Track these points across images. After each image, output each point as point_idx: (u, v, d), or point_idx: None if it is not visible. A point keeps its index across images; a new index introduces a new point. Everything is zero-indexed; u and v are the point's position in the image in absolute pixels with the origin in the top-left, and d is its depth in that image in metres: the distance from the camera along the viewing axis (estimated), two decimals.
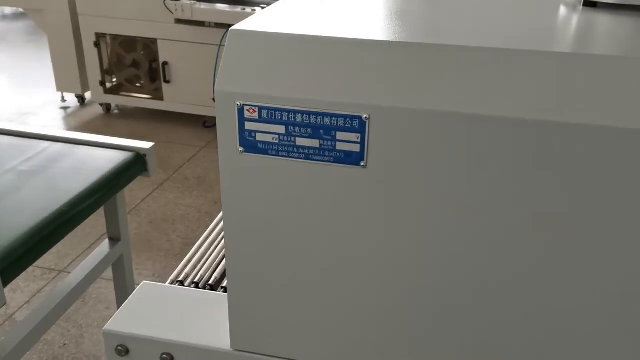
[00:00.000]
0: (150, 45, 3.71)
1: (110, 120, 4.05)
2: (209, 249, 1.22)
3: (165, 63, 3.69)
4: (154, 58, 3.72)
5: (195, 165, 3.42)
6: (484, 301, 0.69)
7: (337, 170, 0.67)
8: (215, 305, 0.95)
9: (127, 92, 3.92)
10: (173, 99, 3.81)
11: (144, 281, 1.02)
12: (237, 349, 0.84)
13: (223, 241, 1.22)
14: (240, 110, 0.67)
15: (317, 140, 0.66)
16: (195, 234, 2.78)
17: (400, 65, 0.62)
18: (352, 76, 0.63)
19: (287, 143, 0.67)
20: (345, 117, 0.64)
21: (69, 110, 4.15)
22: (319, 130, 0.65)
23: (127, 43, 3.76)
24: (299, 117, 0.65)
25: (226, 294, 1.01)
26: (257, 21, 0.70)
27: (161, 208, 2.99)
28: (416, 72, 0.62)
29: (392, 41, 0.62)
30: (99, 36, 3.73)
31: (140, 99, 3.89)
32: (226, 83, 0.67)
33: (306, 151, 0.67)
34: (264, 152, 0.69)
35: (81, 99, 4.15)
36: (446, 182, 0.63)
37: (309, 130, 0.66)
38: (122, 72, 3.86)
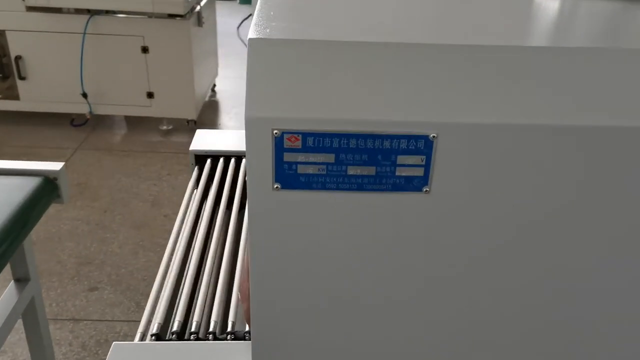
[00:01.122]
0: None
1: None
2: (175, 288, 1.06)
3: (18, 57, 3.20)
4: (3, 52, 3.21)
5: (71, 170, 3.05)
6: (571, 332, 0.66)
7: (395, 200, 0.58)
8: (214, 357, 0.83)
9: None
10: (31, 98, 3.34)
11: (115, 342, 0.85)
12: None
13: (197, 277, 1.07)
14: (279, 140, 0.55)
15: (374, 168, 0.56)
16: (89, 250, 2.49)
17: (476, 73, 0.54)
18: (417, 88, 0.55)
19: (337, 173, 0.57)
20: (409, 137, 0.55)
21: None
22: (377, 155, 0.56)
23: None
24: (352, 142, 0.55)
25: (222, 341, 0.88)
26: (279, 26, 0.58)
27: (42, 225, 2.62)
28: (496, 79, 0.55)
29: (466, 45, 0.54)
30: None
31: None
32: (258, 107, 0.54)
33: (359, 181, 0.57)
34: (307, 186, 0.58)
35: None
36: (526, 200, 0.57)
37: (364, 156, 0.56)
38: None
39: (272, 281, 0.63)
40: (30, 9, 3.07)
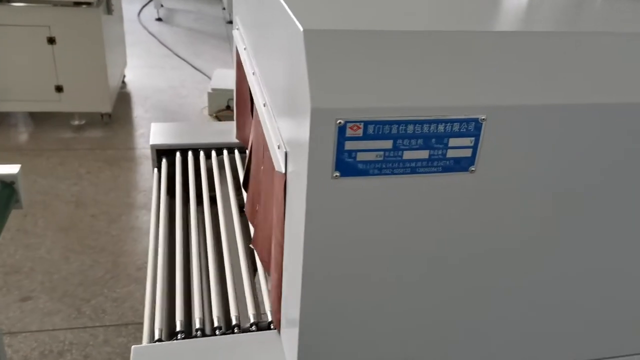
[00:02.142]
0: None
1: None
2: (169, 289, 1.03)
3: None
4: None
5: None
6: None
7: (443, 180, 0.62)
8: (236, 350, 0.83)
9: None
10: None
11: (134, 346, 0.83)
12: None
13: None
14: (341, 129, 0.57)
15: (427, 151, 0.60)
16: (14, 258, 2.30)
17: (522, 57, 0.59)
18: (469, 74, 0.59)
19: (393, 159, 0.60)
20: (461, 121, 0.59)
21: None
22: (431, 139, 0.60)
23: None
24: (410, 128, 0.59)
25: (242, 334, 0.88)
26: (325, 17, 0.59)
27: None
28: (542, 63, 0.60)
29: (513, 31, 0.59)
30: None
31: None
32: (323, 98, 0.56)
33: (413, 164, 0.61)
34: (364, 173, 0.60)
35: None
36: (569, 177, 0.64)
37: (419, 141, 0.60)
38: None
39: (326, 267, 0.65)
40: None
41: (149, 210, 2.71)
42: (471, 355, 0.77)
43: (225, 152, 1.45)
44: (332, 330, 0.71)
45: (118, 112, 3.56)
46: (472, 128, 0.60)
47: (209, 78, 4.14)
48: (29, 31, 2.99)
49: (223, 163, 1.41)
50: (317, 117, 0.56)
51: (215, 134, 1.49)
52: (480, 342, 0.76)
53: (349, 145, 0.58)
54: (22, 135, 3.26)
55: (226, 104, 3.62)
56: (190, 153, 1.43)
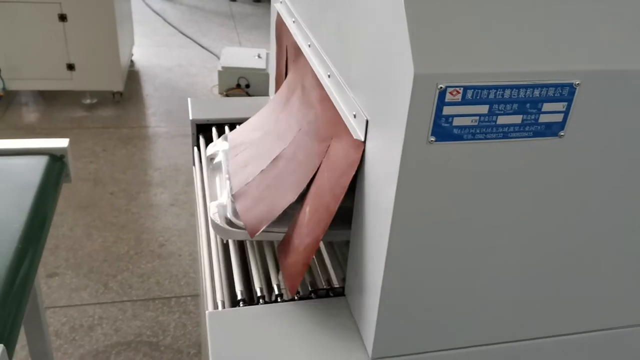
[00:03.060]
0: None
1: None
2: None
3: None
4: None
5: None
6: None
7: (532, 145, 0.64)
8: (309, 317, 0.85)
9: None
10: None
11: (208, 311, 0.85)
12: (379, 356, 0.78)
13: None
14: (442, 94, 0.58)
15: (520, 116, 0.62)
16: None
17: (615, 22, 0.61)
18: (563, 39, 0.60)
19: (487, 124, 0.61)
20: (555, 86, 0.61)
21: None
22: (525, 104, 0.61)
23: None
24: (507, 93, 0.60)
25: (313, 300, 0.90)
26: None
27: None
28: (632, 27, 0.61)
29: None
30: None
31: None
32: (426, 64, 0.57)
33: (505, 129, 0.62)
34: (458, 138, 0.62)
35: None
36: None
37: (514, 106, 0.61)
38: None
39: (413, 233, 0.67)
40: None
41: (166, 187, 2.73)
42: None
43: None
44: (412, 300, 0.73)
45: (128, 91, 3.55)
46: (566, 93, 0.61)
47: (217, 56, 4.12)
48: (40, 8, 2.96)
49: None
50: (419, 83, 0.57)
51: (253, 109, 1.49)
52: (564, 314, 0.79)
53: (447, 110, 0.60)
54: (34, 114, 3.25)
55: (236, 82, 3.61)
56: (227, 128, 1.44)
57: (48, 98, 3.38)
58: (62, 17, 3.00)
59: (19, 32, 2.98)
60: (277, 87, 1.43)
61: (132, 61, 3.94)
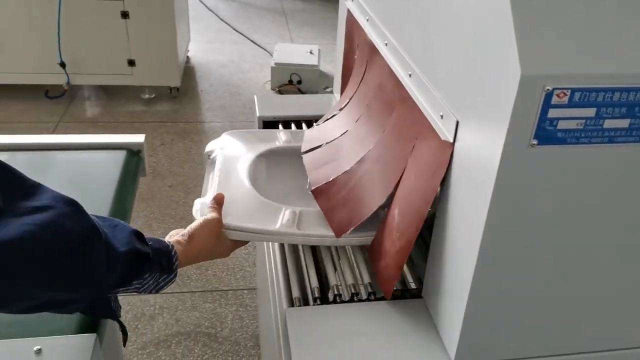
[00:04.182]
0: None
1: None
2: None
3: None
4: None
5: None
6: None
7: (636, 150, 0.62)
8: (387, 317, 0.85)
9: None
10: (1, 69, 3.11)
11: (289, 308, 0.86)
12: None
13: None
14: (548, 96, 0.57)
15: (628, 120, 0.60)
16: None
17: None
18: None
19: (593, 127, 0.60)
20: None
21: None
22: (634, 108, 0.59)
23: None
24: (616, 96, 0.58)
25: (384, 301, 0.90)
26: None
27: None
28: None
29: None
30: None
31: None
32: (533, 64, 0.56)
33: (612, 133, 0.60)
34: (562, 141, 0.60)
35: None
36: None
37: (622, 109, 0.59)
38: None
39: (506, 238, 0.66)
40: None
41: None
42: None
43: None
44: (501, 305, 0.72)
45: (184, 86, 3.62)
46: None
47: (268, 52, 4.15)
48: (104, 5, 3.05)
49: None
50: (525, 84, 0.56)
51: (319, 107, 1.50)
52: None
53: (552, 113, 0.58)
54: (96, 108, 3.36)
55: (289, 79, 3.63)
56: (293, 125, 1.45)
57: (109, 92, 3.49)
58: (125, 15, 3.08)
59: (84, 29, 3.08)
60: (344, 85, 1.43)
61: (187, 57, 4.02)
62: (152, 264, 0.77)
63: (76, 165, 1.11)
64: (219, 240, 0.91)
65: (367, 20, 1.14)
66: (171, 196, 2.63)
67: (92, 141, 1.17)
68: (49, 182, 1.08)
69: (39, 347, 0.75)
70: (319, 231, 0.94)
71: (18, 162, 1.14)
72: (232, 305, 2.08)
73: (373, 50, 1.08)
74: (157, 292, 0.80)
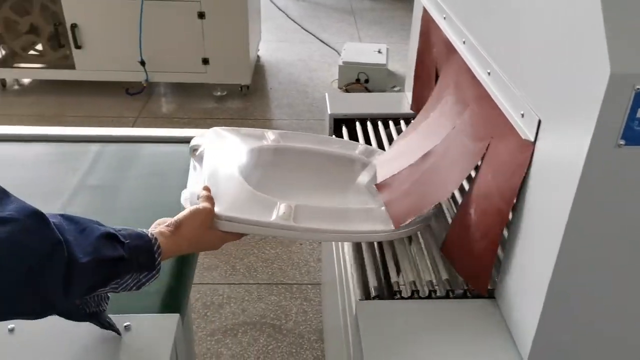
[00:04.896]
0: (49, 5, 3.14)
1: (10, 98, 3.43)
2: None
3: (74, 25, 3.16)
4: (59, 21, 3.17)
5: None
6: None
7: None
8: (460, 316, 0.85)
9: (27, 62, 3.32)
10: (87, 67, 3.31)
11: (358, 301, 0.88)
12: None
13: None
14: (638, 95, 0.56)
15: None
16: None
17: None
18: None
19: None
20: None
21: None
22: None
23: (19, 5, 3.14)
24: None
25: (455, 300, 0.90)
26: None
27: None
28: None
29: None
30: None
31: (46, 70, 3.32)
32: (624, 63, 0.55)
33: None
34: None
35: None
36: None
37: None
38: (18, 40, 3.25)
39: (587, 238, 0.65)
40: None
41: None
42: None
43: (402, 122, 1.47)
44: (577, 310, 0.71)
45: (254, 84, 3.72)
46: None
47: (336, 51, 4.19)
48: (182, 6, 3.19)
49: (402, 132, 1.43)
50: (614, 83, 0.55)
51: (390, 105, 1.51)
52: None
53: None
54: (172, 105, 3.52)
55: (356, 77, 3.65)
56: (368, 122, 1.46)
57: (184, 90, 3.64)
58: (201, 15, 3.20)
59: (162, 29, 3.23)
60: (416, 84, 1.43)
61: (258, 56, 4.12)
62: (128, 265, 0.73)
63: (157, 157, 1.19)
64: (209, 231, 0.86)
65: (444, 18, 1.14)
66: None
67: (171, 135, 1.24)
68: (135, 171, 1.17)
69: (128, 323, 0.81)
70: (316, 225, 0.91)
71: (108, 153, 1.23)
72: (296, 299, 2.12)
73: (450, 49, 1.08)
74: (138, 289, 0.76)
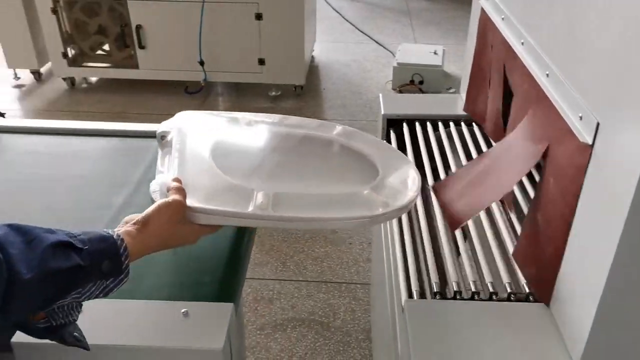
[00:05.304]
0: (117, 7, 3.29)
1: (78, 95, 3.62)
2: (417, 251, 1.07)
3: (139, 27, 3.30)
4: (125, 22, 3.31)
5: None
6: None
7: None
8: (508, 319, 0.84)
9: (95, 62, 3.49)
10: (150, 66, 3.44)
11: (406, 300, 0.89)
12: None
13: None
14: None
15: None
16: None
17: None
18: None
19: None
20: None
21: (24, 89, 3.65)
22: None
23: (89, 7, 3.31)
24: None
25: (510, 302, 0.89)
26: None
27: None
28: None
29: None
30: (55, 1, 3.25)
31: (112, 69, 3.49)
32: None
33: None
34: None
35: (37, 74, 3.66)
36: None
37: None
38: (87, 41, 3.42)
39: None
40: None
41: None
42: None
43: (451, 124, 1.46)
44: (633, 316, 0.69)
45: (308, 84, 3.76)
46: None
47: (391, 52, 4.17)
48: (240, 7, 3.26)
49: (451, 135, 1.42)
50: None
51: (443, 106, 1.50)
52: None
53: None
54: (228, 104, 3.61)
55: (410, 78, 3.63)
56: (417, 124, 1.46)
57: (239, 89, 3.72)
58: (258, 16, 3.27)
59: (220, 30, 3.32)
60: (470, 85, 1.42)
61: (312, 56, 4.17)
62: (88, 273, 0.68)
63: None
64: (181, 225, 0.81)
65: (503, 19, 1.13)
66: None
67: None
68: None
69: (185, 309, 0.85)
70: (295, 213, 0.86)
71: None
72: (345, 298, 2.14)
73: (508, 50, 1.07)
74: (105, 296, 0.71)
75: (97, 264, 0.68)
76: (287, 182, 0.96)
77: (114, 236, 0.72)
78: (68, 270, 0.66)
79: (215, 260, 0.98)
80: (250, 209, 0.85)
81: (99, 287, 0.70)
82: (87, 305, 0.73)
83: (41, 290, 0.64)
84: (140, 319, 0.85)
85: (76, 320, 0.73)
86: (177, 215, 0.80)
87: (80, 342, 0.73)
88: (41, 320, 0.70)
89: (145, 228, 0.76)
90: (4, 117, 1.40)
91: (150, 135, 1.33)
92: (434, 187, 1.02)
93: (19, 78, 3.65)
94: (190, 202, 0.83)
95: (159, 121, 1.29)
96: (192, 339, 0.81)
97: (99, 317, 0.84)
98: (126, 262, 0.71)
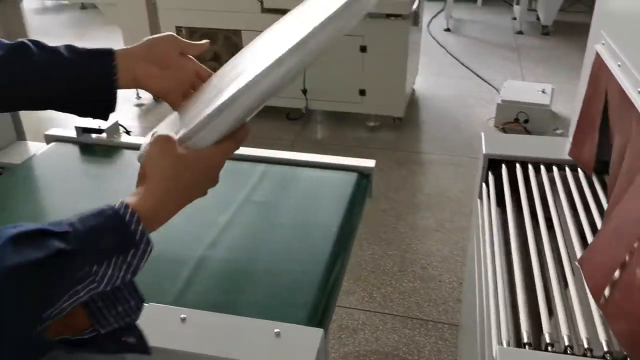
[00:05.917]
0: (231, 36, 3.52)
1: None
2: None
3: None
4: (236, 50, 3.53)
5: None
6: None
7: None
8: None
9: None
10: None
11: (499, 346, 0.87)
12: None
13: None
14: None
15: None
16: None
17: None
18: None
19: None
20: None
21: (144, 107, 3.98)
22: None
23: (206, 36, 3.57)
24: None
25: None
26: None
27: None
28: None
29: None
30: (178, 30, 3.54)
31: None
32: None
33: None
34: None
35: (157, 95, 3.98)
36: None
37: None
38: None
39: None
40: (266, 10, 3.32)
41: (433, 213, 2.82)
42: None
43: (555, 168, 1.41)
44: None
45: (407, 117, 3.77)
46: None
47: (495, 89, 4.08)
48: (346, 39, 3.36)
49: (554, 179, 1.37)
50: None
51: (548, 149, 1.46)
52: None
53: None
54: (326, 132, 3.71)
55: (515, 117, 3.52)
56: (518, 166, 1.43)
57: (338, 118, 3.81)
58: (363, 49, 3.36)
59: (325, 60, 3.43)
60: (578, 129, 1.36)
61: (413, 89, 4.18)
62: (80, 257, 0.57)
63: (314, 181, 1.28)
64: (183, 158, 0.68)
65: (619, 65, 1.09)
66: (383, 220, 2.76)
67: (329, 161, 1.33)
68: (291, 194, 1.27)
69: (278, 330, 0.88)
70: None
71: (272, 172, 1.35)
72: (431, 337, 2.10)
73: (623, 98, 1.03)
74: (134, 275, 0.61)
75: (93, 241, 0.58)
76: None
77: (115, 207, 0.61)
78: (43, 260, 0.54)
79: (308, 283, 1.02)
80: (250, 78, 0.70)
81: (117, 267, 0.59)
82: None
83: (12, 293, 0.53)
84: (233, 333, 0.90)
85: (135, 320, 0.64)
86: (166, 146, 0.68)
87: (143, 346, 0.64)
88: (85, 330, 0.61)
89: (145, 180, 0.66)
90: (129, 134, 1.55)
91: (255, 159, 1.40)
92: (580, 263, 0.99)
93: (140, 97, 3.99)
94: (175, 136, 0.71)
95: (260, 145, 1.38)
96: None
97: (198, 327, 0.89)
98: (139, 228, 0.61)
